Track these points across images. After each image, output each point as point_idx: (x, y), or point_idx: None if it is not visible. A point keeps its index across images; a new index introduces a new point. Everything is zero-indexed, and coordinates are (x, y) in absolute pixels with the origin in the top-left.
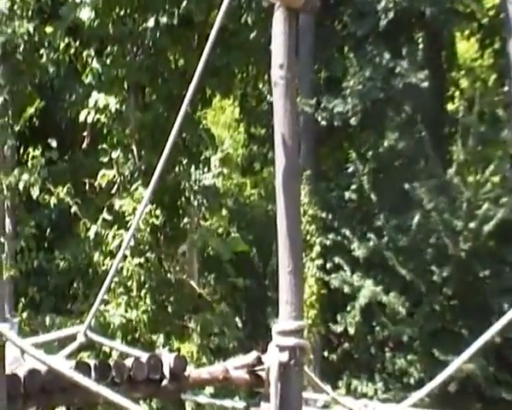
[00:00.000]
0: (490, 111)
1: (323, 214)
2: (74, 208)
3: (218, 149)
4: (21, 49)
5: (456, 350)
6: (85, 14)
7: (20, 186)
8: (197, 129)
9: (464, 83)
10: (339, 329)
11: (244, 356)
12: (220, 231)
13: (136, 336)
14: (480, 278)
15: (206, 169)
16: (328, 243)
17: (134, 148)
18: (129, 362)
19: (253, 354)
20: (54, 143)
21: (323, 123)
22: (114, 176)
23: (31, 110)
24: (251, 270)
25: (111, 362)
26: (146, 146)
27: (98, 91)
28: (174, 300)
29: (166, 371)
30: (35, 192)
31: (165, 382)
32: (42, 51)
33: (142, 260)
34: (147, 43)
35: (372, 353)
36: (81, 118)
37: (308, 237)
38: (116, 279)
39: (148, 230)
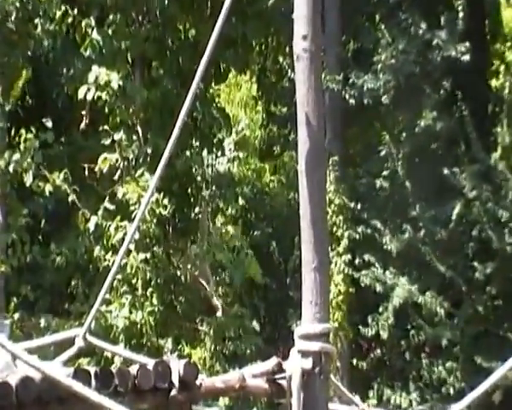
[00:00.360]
0: None
1: (352, 204)
2: (72, 197)
3: (234, 130)
4: (13, 17)
5: (501, 356)
6: None
7: (12, 172)
8: (210, 108)
9: (510, 56)
10: (369, 333)
11: (263, 363)
12: (230, 238)
13: (142, 340)
14: None
15: (219, 153)
16: (357, 236)
17: (139, 129)
18: (134, 369)
19: (273, 361)
20: (49, 124)
21: (352, 101)
22: (117, 160)
23: (20, 84)
24: (270, 266)
25: (113, 369)
26: (153, 127)
27: (99, 65)
28: (184, 300)
29: (175, 380)
30: (28, 179)
31: (174, 392)
32: (36, 21)
33: (148, 255)
34: (153, 12)
35: (407, 359)
36: (80, 95)
37: (334, 230)
38: (119, 277)
39: (155, 221)
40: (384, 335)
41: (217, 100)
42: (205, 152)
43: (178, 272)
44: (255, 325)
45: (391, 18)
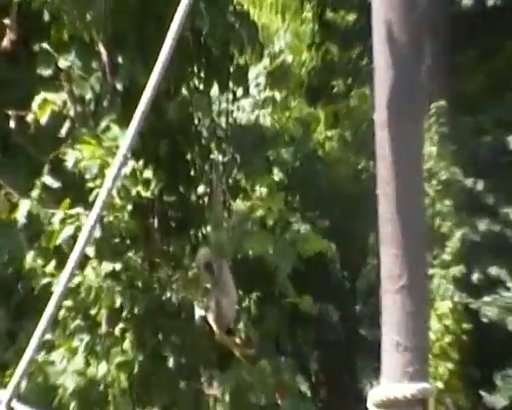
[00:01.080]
0: None
1: (468, 181)
2: None
3: (265, 52)
4: None
5: None
6: None
7: None
8: (225, 14)
9: None
10: (500, 401)
11: None
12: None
13: None
14: None
15: (240, 91)
16: (475, 235)
17: (102, 49)
18: None
19: None
20: None
21: (468, 2)
22: (65, 104)
23: None
24: (327, 284)
25: None
26: (125, 45)
27: None
28: (181, 343)
29: None
30: None
31: None
32: None
33: (117, 265)
34: None
35: None
36: None
37: (437, 224)
38: (68, 303)
39: (131, 208)
40: None
41: (236, 0)
42: (215, 90)
43: (169, 296)
44: (302, 383)
45: None
